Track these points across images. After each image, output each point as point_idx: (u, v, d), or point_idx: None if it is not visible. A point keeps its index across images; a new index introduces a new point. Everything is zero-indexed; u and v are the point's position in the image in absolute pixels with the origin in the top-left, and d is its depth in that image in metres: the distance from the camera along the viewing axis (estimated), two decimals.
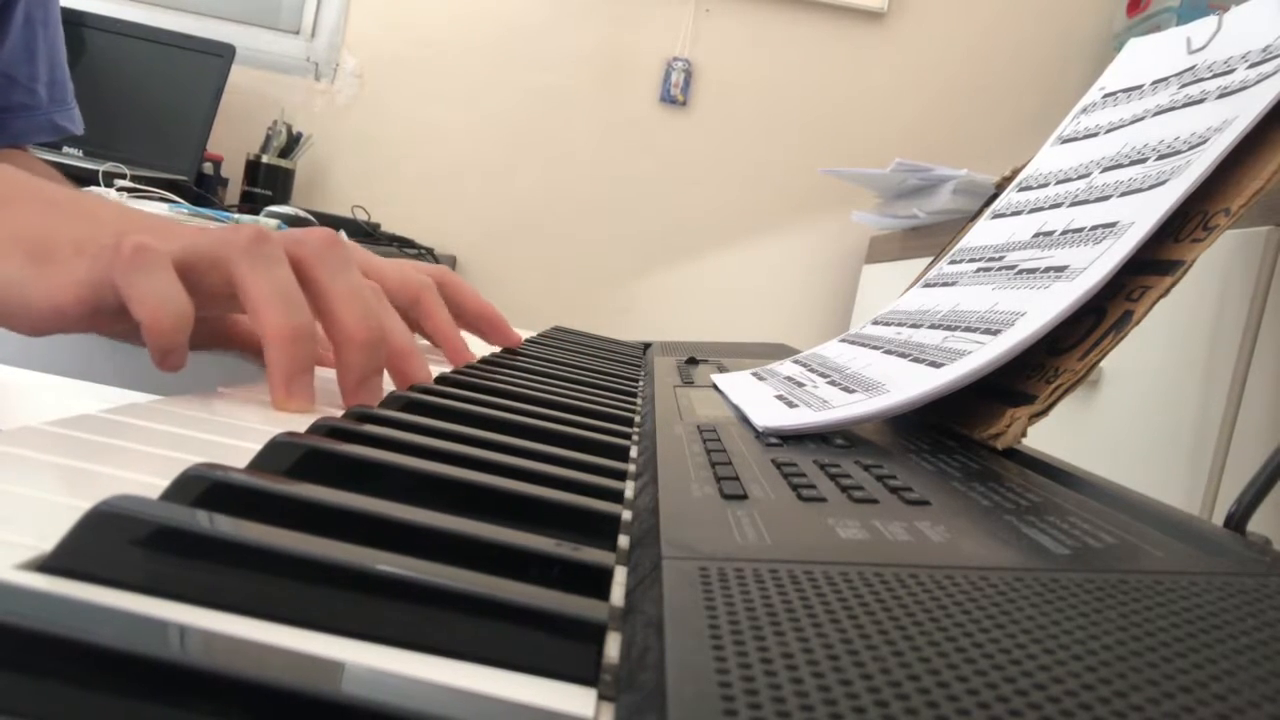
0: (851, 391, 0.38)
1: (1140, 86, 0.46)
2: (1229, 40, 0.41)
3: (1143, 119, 0.43)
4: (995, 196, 0.54)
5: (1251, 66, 0.37)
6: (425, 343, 0.54)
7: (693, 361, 0.64)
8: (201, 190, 1.62)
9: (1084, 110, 0.50)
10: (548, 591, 0.17)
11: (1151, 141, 0.40)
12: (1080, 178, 0.43)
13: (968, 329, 0.38)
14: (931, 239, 1.41)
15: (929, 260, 0.57)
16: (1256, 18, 0.40)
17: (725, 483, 0.25)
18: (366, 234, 1.68)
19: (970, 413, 0.36)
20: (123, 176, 1.36)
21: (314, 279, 0.34)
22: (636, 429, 0.39)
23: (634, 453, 0.34)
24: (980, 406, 0.35)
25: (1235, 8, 0.42)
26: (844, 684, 0.13)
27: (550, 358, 0.59)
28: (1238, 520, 0.23)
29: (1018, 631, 0.15)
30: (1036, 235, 0.42)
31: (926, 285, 0.50)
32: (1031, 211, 0.46)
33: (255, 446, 0.24)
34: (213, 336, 0.42)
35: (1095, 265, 0.33)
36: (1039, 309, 0.34)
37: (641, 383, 0.56)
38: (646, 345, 0.85)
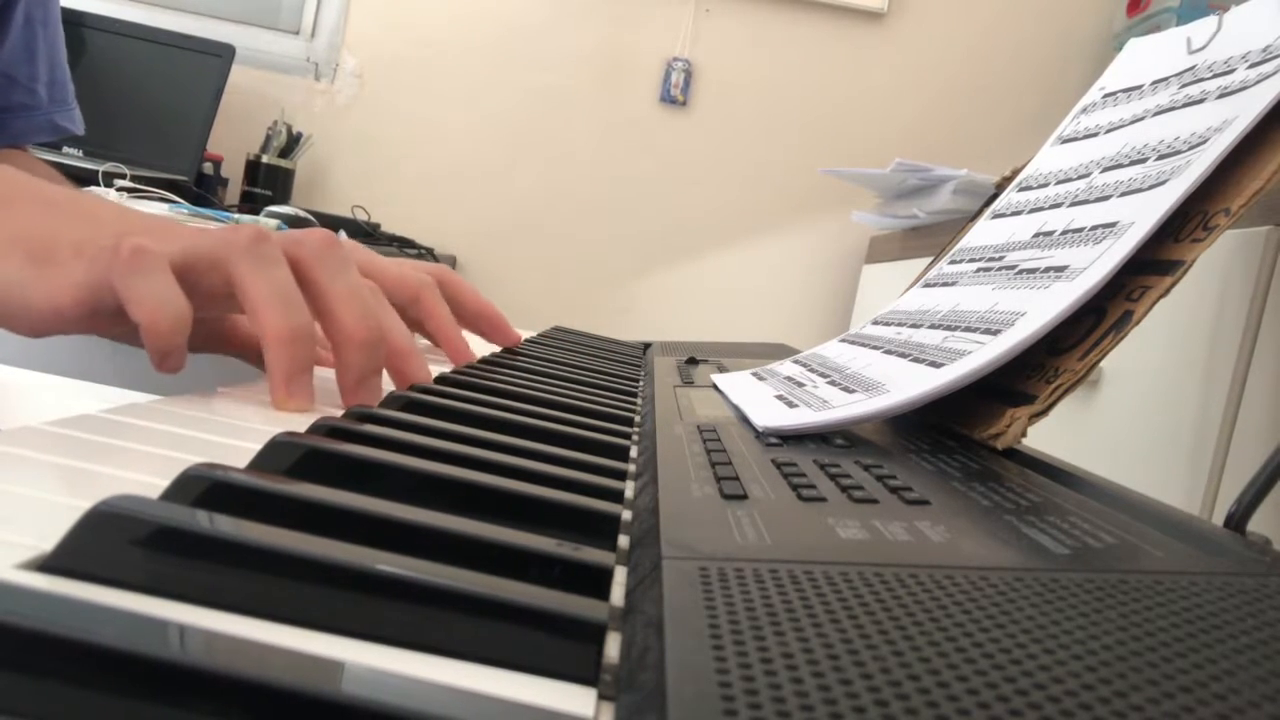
0: (851, 391, 0.38)
1: (1140, 86, 0.46)
2: (1229, 40, 0.41)
3: (1143, 119, 0.43)
4: (995, 196, 0.54)
5: (1251, 66, 0.37)
6: (425, 343, 0.54)
7: (693, 361, 0.64)
8: (201, 190, 1.62)
9: (1084, 110, 0.50)
10: (548, 591, 0.17)
11: (1151, 141, 0.40)
12: (1080, 178, 0.43)
13: (968, 329, 0.38)
14: (931, 239, 1.41)
15: (929, 260, 0.57)
16: (1256, 18, 0.40)
17: (725, 483, 0.25)
18: (366, 234, 1.68)
19: (970, 413, 0.36)
20: (123, 176, 1.36)
21: (312, 279, 0.34)
22: (636, 429, 0.39)
23: (634, 453, 0.34)
24: (980, 406, 0.35)
25: (1235, 8, 0.42)
26: (844, 684, 0.13)
27: (550, 358, 0.59)
28: (1238, 520, 0.23)
29: (1018, 631, 0.15)
30: (1036, 235, 0.42)
31: (926, 285, 0.50)
32: (1031, 211, 0.46)
33: (255, 446, 0.24)
34: (211, 338, 0.42)
35: (1095, 265, 0.33)
36: (1039, 309, 0.34)
37: (641, 383, 0.56)
38: (646, 345, 0.85)
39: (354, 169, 1.92)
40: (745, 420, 0.38)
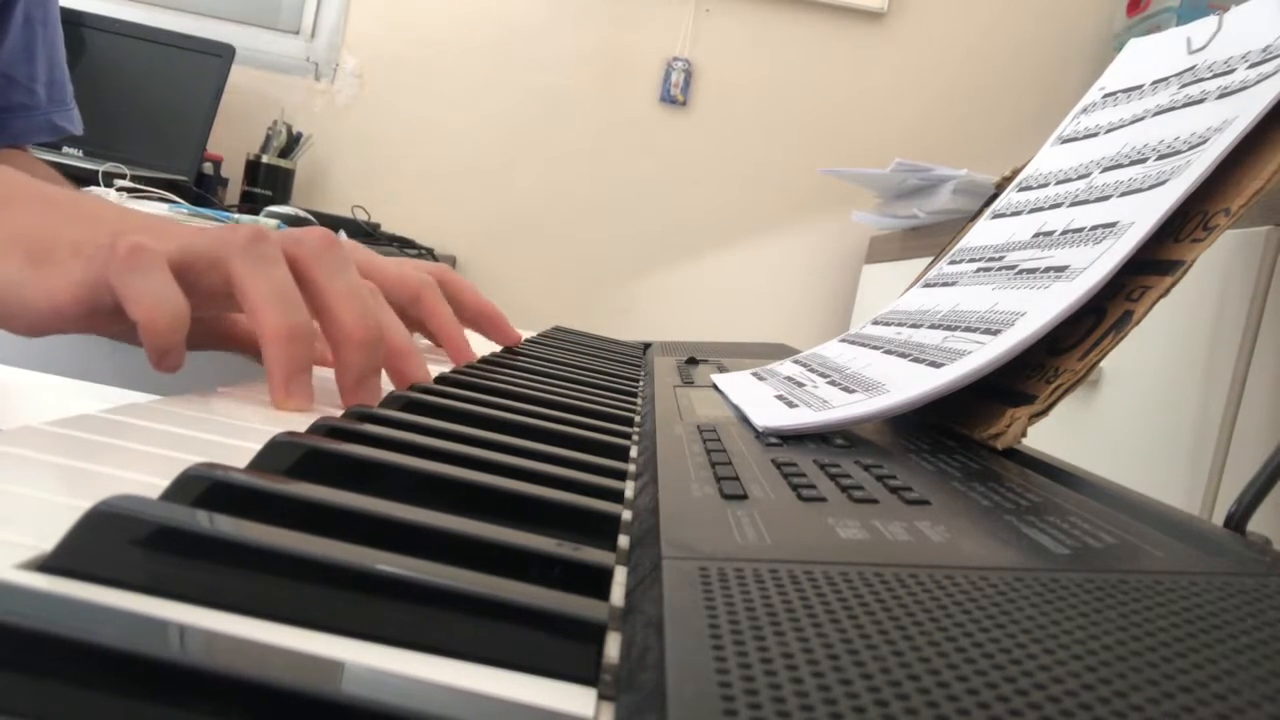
0: (851, 391, 0.38)
1: (1140, 87, 0.46)
2: (1229, 40, 0.41)
3: (1143, 119, 0.43)
4: (995, 196, 0.54)
5: (1251, 66, 0.37)
6: (425, 343, 0.54)
7: (693, 361, 0.64)
8: (201, 190, 1.62)
9: (1084, 110, 0.50)
10: (548, 591, 0.17)
11: (1151, 141, 0.40)
12: (1080, 178, 0.43)
13: (968, 329, 0.38)
14: (931, 239, 1.41)
15: (929, 260, 0.57)
16: (1256, 18, 0.40)
17: (725, 483, 0.25)
18: (366, 234, 1.68)
19: (970, 413, 0.36)
20: (123, 176, 1.36)
21: (311, 279, 0.34)
22: (636, 429, 0.39)
23: (634, 453, 0.34)
24: (980, 406, 0.35)
25: (1235, 8, 0.42)
26: (844, 684, 0.13)
27: (550, 358, 0.59)
28: (1238, 520, 0.23)
29: (1018, 631, 0.15)
30: (1036, 235, 0.42)
31: (926, 285, 0.50)
32: (1031, 211, 0.46)
33: (255, 446, 0.24)
34: (211, 335, 0.42)
35: (1095, 265, 0.33)
36: (1039, 309, 0.34)
37: (641, 383, 0.56)
38: (646, 345, 0.85)
39: (354, 169, 1.92)
40: (745, 420, 0.38)
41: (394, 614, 0.16)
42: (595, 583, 0.18)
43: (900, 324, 0.46)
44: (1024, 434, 0.33)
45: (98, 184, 1.34)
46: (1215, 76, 0.40)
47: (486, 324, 0.59)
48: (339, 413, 0.31)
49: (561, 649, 0.15)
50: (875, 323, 0.51)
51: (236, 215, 1.34)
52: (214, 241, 0.33)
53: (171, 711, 0.12)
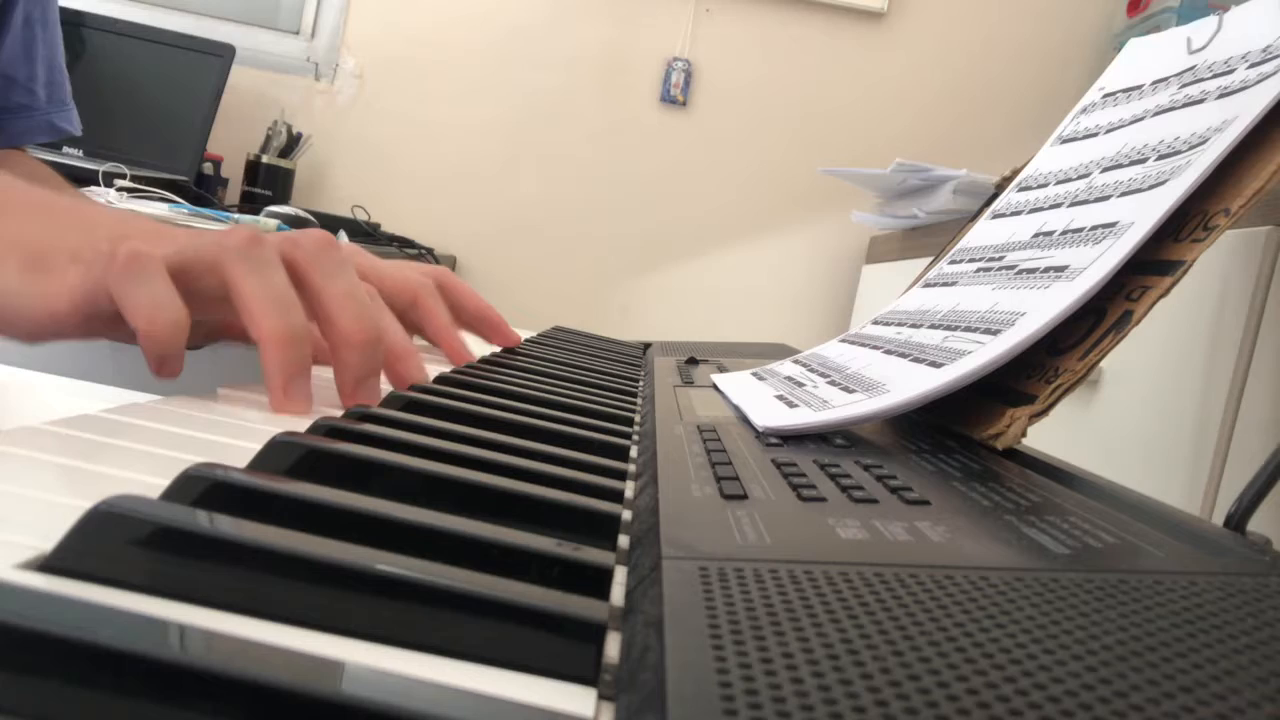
0: (851, 391, 0.38)
1: (1140, 87, 0.46)
2: (1229, 40, 0.41)
3: (1143, 119, 0.43)
4: (995, 196, 0.54)
5: (1251, 66, 0.37)
6: (423, 343, 0.54)
7: (693, 361, 0.64)
8: (201, 190, 1.62)
9: (1084, 110, 0.50)
10: (548, 591, 0.17)
11: (1151, 142, 0.40)
12: (1080, 178, 0.43)
13: (968, 329, 0.38)
14: (931, 239, 1.41)
15: (929, 260, 0.57)
16: (1256, 18, 0.40)
17: (725, 483, 0.25)
18: (366, 234, 1.69)
19: (970, 413, 0.36)
20: (123, 176, 1.36)
21: (309, 281, 0.34)
22: (637, 429, 0.39)
23: (634, 453, 0.34)
24: (980, 406, 0.35)
25: (1235, 8, 0.42)
26: (844, 684, 0.13)
27: (550, 358, 0.59)
28: (1238, 520, 0.23)
29: (1018, 631, 0.15)
30: (1036, 235, 0.42)
31: (926, 285, 0.50)
32: (1031, 212, 0.46)
33: (255, 446, 0.24)
34: (211, 333, 0.42)
35: (1095, 265, 0.33)
36: (1039, 309, 0.34)
37: (641, 383, 0.56)
38: (646, 345, 0.85)
39: (354, 169, 1.92)
40: (745, 420, 0.38)
41: (394, 614, 0.16)
42: (595, 583, 0.18)
43: (900, 324, 0.46)
44: (1024, 434, 0.33)
45: (98, 184, 1.34)
46: (1215, 77, 0.40)
47: (486, 327, 0.59)
48: (339, 413, 0.31)
49: (561, 649, 0.15)
50: (875, 323, 0.51)
51: (236, 215, 1.34)
52: (210, 246, 0.33)
53: (171, 711, 0.12)
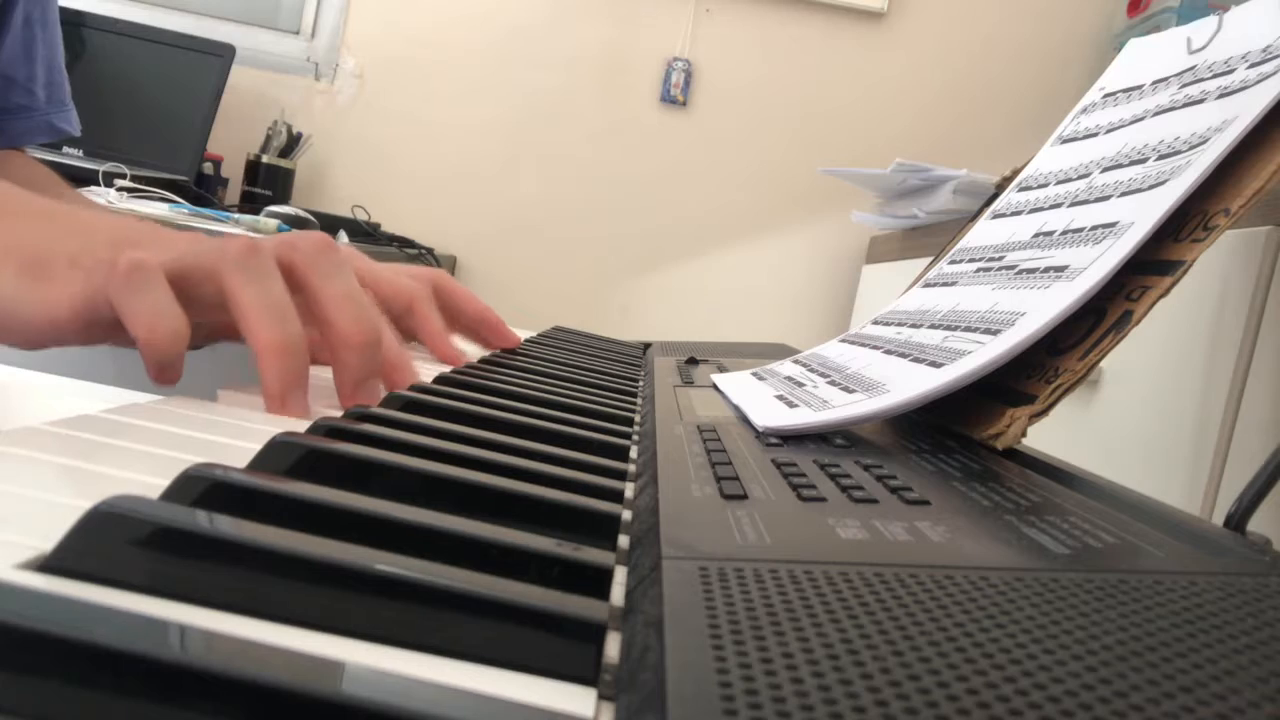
0: (851, 391, 0.38)
1: (1140, 87, 0.46)
2: (1229, 40, 0.41)
3: (1143, 119, 0.43)
4: (995, 196, 0.54)
5: (1252, 66, 0.37)
6: (420, 350, 0.54)
7: (693, 361, 0.64)
8: (201, 190, 1.62)
9: (1084, 110, 0.50)
10: (548, 591, 0.17)
11: (1151, 142, 0.40)
12: (1080, 178, 0.43)
13: (968, 329, 0.38)
14: (931, 239, 1.41)
15: (929, 260, 0.57)
16: (1256, 18, 0.40)
17: (725, 483, 0.25)
18: (366, 234, 1.68)
19: (970, 413, 0.36)
20: (123, 176, 1.36)
21: (307, 283, 0.34)
22: (636, 429, 0.39)
23: (634, 453, 0.34)
24: (980, 406, 0.35)
25: (1235, 8, 0.42)
26: (844, 684, 0.13)
27: (550, 358, 0.59)
28: (1238, 520, 0.23)
29: (1018, 631, 0.15)
30: (1036, 235, 0.42)
31: (926, 285, 0.50)
32: (1031, 211, 0.46)
33: (255, 446, 0.24)
34: (210, 334, 0.42)
35: (1095, 265, 0.33)
36: (1039, 309, 0.34)
37: (641, 383, 0.56)
38: (646, 345, 0.85)
39: (354, 169, 1.92)
40: (745, 420, 0.38)
41: (394, 614, 0.16)
42: (595, 583, 0.18)
43: (900, 324, 0.46)
44: (1024, 434, 0.33)
45: (98, 184, 1.34)
46: (1215, 77, 0.40)
47: (486, 330, 0.59)
48: (338, 413, 0.31)
49: (561, 649, 0.15)
50: (875, 323, 0.51)
51: (236, 215, 1.34)
52: (209, 254, 0.33)
53: (172, 711, 0.12)
